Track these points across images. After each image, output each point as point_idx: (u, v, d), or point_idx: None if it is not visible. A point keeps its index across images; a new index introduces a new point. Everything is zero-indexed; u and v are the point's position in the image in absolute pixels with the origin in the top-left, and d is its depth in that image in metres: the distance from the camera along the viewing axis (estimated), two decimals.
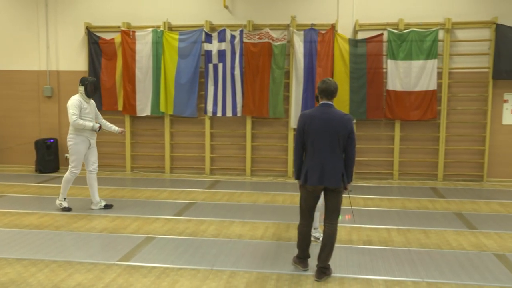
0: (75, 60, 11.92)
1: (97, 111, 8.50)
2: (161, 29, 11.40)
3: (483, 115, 11.05)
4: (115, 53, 11.57)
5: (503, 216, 8.37)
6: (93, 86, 8.12)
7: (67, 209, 8.35)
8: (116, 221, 7.83)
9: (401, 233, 7.32)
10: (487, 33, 10.80)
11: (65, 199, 8.42)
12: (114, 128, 8.59)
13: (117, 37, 11.55)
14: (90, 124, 8.02)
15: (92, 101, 8.30)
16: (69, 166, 8.22)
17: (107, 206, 8.53)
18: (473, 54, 10.89)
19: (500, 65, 10.68)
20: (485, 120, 11.01)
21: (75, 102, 7.98)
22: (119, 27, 11.58)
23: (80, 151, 8.15)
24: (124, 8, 11.70)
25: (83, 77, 8.18)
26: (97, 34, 11.70)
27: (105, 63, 11.63)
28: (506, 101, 11.03)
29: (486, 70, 10.90)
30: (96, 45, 11.63)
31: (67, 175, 8.26)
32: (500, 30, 10.62)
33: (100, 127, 8.15)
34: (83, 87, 8.09)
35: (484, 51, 10.86)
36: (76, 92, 8.39)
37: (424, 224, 7.80)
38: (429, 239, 7.06)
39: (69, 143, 8.13)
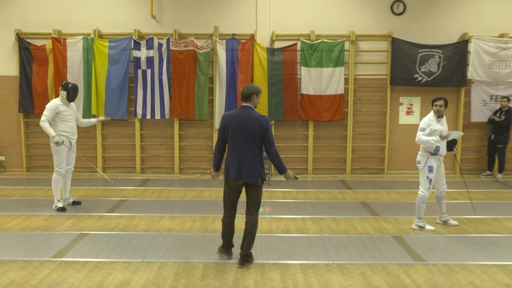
0: (5, 64, 11.29)
1: (77, 112, 8.27)
2: (92, 36, 11.04)
3: (383, 116, 11.50)
4: (46, 59, 11.08)
5: (400, 203, 8.76)
6: (74, 92, 7.96)
7: (62, 209, 7.99)
8: (50, 219, 7.51)
9: (315, 221, 7.49)
10: (385, 45, 11.27)
11: (59, 200, 8.06)
12: (94, 120, 8.56)
13: (48, 43, 11.05)
14: (52, 132, 7.75)
15: (72, 104, 8.08)
16: (54, 167, 7.95)
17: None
18: (374, 63, 11.32)
19: (396, 72, 11.17)
20: (385, 121, 11.46)
21: (51, 105, 7.83)
22: (49, 34, 11.10)
23: (62, 150, 7.89)
24: (55, 15, 11.21)
25: (65, 82, 7.97)
26: (28, 40, 11.15)
27: (36, 69, 11.10)
28: (401, 104, 11.55)
29: (384, 77, 11.36)
30: (27, 51, 11.08)
31: (54, 176, 7.98)
32: (395, 43, 11.11)
33: (58, 142, 7.80)
34: (65, 92, 7.90)
35: (383, 60, 11.32)
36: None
37: (335, 213, 8.01)
38: (339, 226, 7.27)
39: (52, 143, 7.87)
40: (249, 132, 5.52)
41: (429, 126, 7.03)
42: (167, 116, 11.17)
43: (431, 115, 7.12)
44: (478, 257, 6.08)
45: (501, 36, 11.27)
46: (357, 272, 5.58)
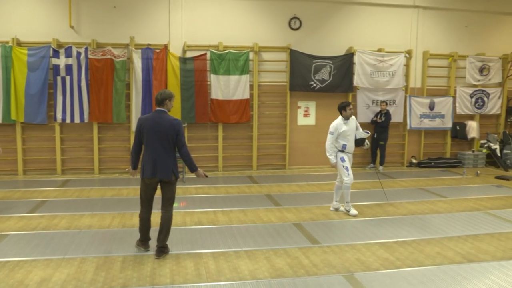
0: None
1: None
2: (10, 44, 10.25)
3: (284, 118, 11.73)
4: None
5: (300, 195, 8.99)
6: None
7: None
8: None
9: (225, 214, 7.46)
10: (284, 56, 11.51)
11: None
12: None
13: None
14: None
15: None
16: None
17: None
18: (275, 71, 11.51)
19: (294, 80, 11.44)
20: (285, 122, 11.70)
21: None
22: None
23: None
24: None
25: None
26: None
27: None
28: (299, 107, 11.86)
29: (284, 83, 11.59)
30: None
31: None
32: (293, 54, 11.38)
33: None
34: None
35: (283, 69, 11.55)
36: None
37: (243, 205, 8.04)
38: (246, 217, 7.30)
39: None
40: (162, 134, 5.40)
41: (336, 130, 7.29)
42: (86, 120, 10.64)
43: (339, 119, 7.35)
44: (364, 237, 6.40)
45: (379, 50, 11.95)
46: (262, 257, 5.65)
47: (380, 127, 11.76)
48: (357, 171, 11.76)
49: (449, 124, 12.74)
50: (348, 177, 7.33)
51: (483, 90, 12.88)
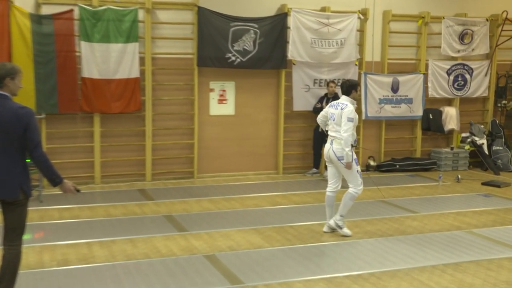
0: None
1: None
2: None
3: (191, 105, 11.74)
4: None
5: (213, 214, 9.06)
6: None
7: None
8: None
9: (104, 246, 7.35)
10: (190, 16, 11.49)
11: None
12: None
13: None
14: None
15: None
16: None
17: None
18: (177, 39, 11.49)
19: (204, 51, 11.44)
20: (193, 111, 11.71)
21: None
22: None
23: None
24: None
25: None
26: None
27: None
28: (212, 90, 11.92)
29: (190, 56, 11.58)
30: None
31: None
32: (202, 14, 11.37)
33: None
34: None
35: (188, 35, 11.54)
36: None
37: (131, 232, 7.97)
38: (136, 249, 7.23)
39: None
40: (3, 130, 5.15)
41: (355, 116, 7.79)
42: None
43: (351, 102, 7.84)
44: (304, 271, 6.53)
45: (323, 10, 12.29)
46: None
47: None
48: (294, 179, 12.02)
49: (419, 111, 13.35)
50: (360, 185, 7.84)
51: (464, 65, 13.63)
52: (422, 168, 13.09)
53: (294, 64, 12.18)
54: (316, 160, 12.42)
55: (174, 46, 11.52)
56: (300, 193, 10.64)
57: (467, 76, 13.64)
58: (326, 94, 12.12)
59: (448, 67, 13.45)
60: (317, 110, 12.06)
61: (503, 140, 13.71)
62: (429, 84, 13.34)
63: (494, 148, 13.65)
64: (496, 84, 14.09)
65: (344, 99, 7.89)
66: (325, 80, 12.34)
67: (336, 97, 12.00)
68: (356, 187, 7.82)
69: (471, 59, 13.75)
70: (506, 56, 14.29)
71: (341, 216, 7.92)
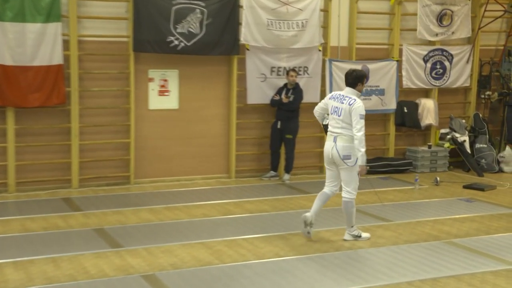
0: None
1: None
2: None
3: (126, 98, 11.62)
4: None
5: (153, 226, 8.97)
6: None
7: None
8: None
9: (20, 267, 7.17)
10: None
11: None
12: None
13: None
14: None
15: None
16: None
17: None
18: (108, 18, 11.36)
19: (141, 33, 11.31)
20: (128, 105, 11.59)
21: None
22: None
23: None
24: None
25: None
26: None
27: None
28: (152, 80, 11.82)
29: (125, 39, 11.47)
30: None
31: None
32: None
33: None
34: None
35: (121, 14, 11.42)
36: None
37: (53, 250, 7.81)
38: (59, 270, 7.10)
39: None
40: None
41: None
42: None
43: (358, 95, 8.18)
44: None
45: None
46: None
47: (286, 111, 12.07)
48: (249, 183, 11.98)
49: (392, 104, 13.48)
50: (356, 191, 8.23)
51: (443, 50, 13.82)
52: (396, 170, 13.19)
53: (248, 49, 12.15)
54: (274, 161, 12.43)
55: (105, 28, 11.39)
56: (256, 200, 10.61)
57: (447, 64, 13.80)
58: (285, 85, 12.15)
59: (425, 53, 13.59)
60: (275, 103, 12.14)
61: (487, 136, 13.91)
62: (404, 73, 13.47)
63: (477, 146, 13.83)
64: (479, 72, 14.31)
65: (349, 92, 8.15)
66: (284, 68, 12.37)
67: (297, 88, 12.03)
68: (352, 191, 8.13)
69: (451, 43, 13.93)
70: (490, 40, 14.54)
71: (352, 227, 8.30)
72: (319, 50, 12.66)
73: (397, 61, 13.30)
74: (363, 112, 7.99)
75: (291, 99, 11.99)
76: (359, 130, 7.93)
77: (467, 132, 13.80)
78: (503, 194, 11.55)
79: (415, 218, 9.61)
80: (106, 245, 8.03)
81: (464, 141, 13.62)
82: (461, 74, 14.03)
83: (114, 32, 11.45)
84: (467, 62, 14.02)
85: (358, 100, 8.02)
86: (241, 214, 9.76)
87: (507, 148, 13.79)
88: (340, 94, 8.18)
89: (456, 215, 9.87)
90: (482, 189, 11.70)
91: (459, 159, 13.76)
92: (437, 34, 13.61)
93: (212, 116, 12.30)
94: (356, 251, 7.89)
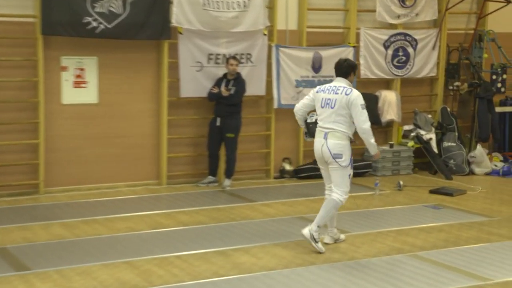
0: None
1: None
2: None
3: (33, 90, 11.42)
4: None
5: (68, 244, 8.80)
6: None
7: None
8: None
9: None
10: None
11: None
12: None
13: None
14: None
15: None
16: None
17: None
18: None
19: (52, 13, 11.12)
20: (37, 98, 11.39)
21: None
22: None
23: None
24: None
25: None
26: None
27: None
28: (65, 68, 11.66)
29: (32, 19, 11.27)
30: None
31: None
32: None
33: None
34: None
35: None
36: None
37: None
38: None
39: None
40: None
41: None
42: None
43: (351, 85, 8.46)
44: None
45: None
46: None
47: (227, 106, 12.06)
48: (183, 191, 11.90)
49: None
50: (347, 193, 8.60)
51: (406, 35, 13.99)
52: (353, 173, 13.17)
53: (180, 33, 12.12)
54: (213, 164, 12.44)
55: (7, 5, 11.18)
56: (191, 211, 10.56)
57: (410, 50, 13.98)
58: (225, 75, 12.19)
59: (386, 38, 13.74)
60: (213, 97, 12.09)
61: (456, 134, 14.12)
62: (361, 61, 13.59)
63: (445, 144, 14.02)
64: (446, 60, 14.51)
65: (342, 82, 8.43)
66: (224, 55, 12.39)
67: (239, 78, 11.97)
68: (343, 194, 8.47)
69: (415, 27, 14.11)
70: (458, 24, 14.80)
71: (318, 227, 8.32)
72: (264, 35, 12.69)
73: (353, 47, 13.41)
74: (363, 102, 8.24)
75: (232, 91, 12.00)
76: (364, 121, 8.26)
77: (433, 129, 13.98)
78: (474, 200, 11.74)
79: (375, 229, 9.68)
80: (10, 268, 7.81)
81: (430, 139, 13.79)
82: (426, 62, 14.21)
83: (18, 11, 11.24)
84: (433, 48, 14.21)
85: (354, 89, 8.30)
86: (174, 227, 9.69)
87: (478, 146, 14.02)
88: (331, 86, 8.41)
89: (421, 224, 9.97)
90: (450, 194, 11.85)
91: (425, 160, 13.93)
92: (399, 16, 13.75)
93: (138, 111, 12.25)
94: (307, 268, 7.85)
